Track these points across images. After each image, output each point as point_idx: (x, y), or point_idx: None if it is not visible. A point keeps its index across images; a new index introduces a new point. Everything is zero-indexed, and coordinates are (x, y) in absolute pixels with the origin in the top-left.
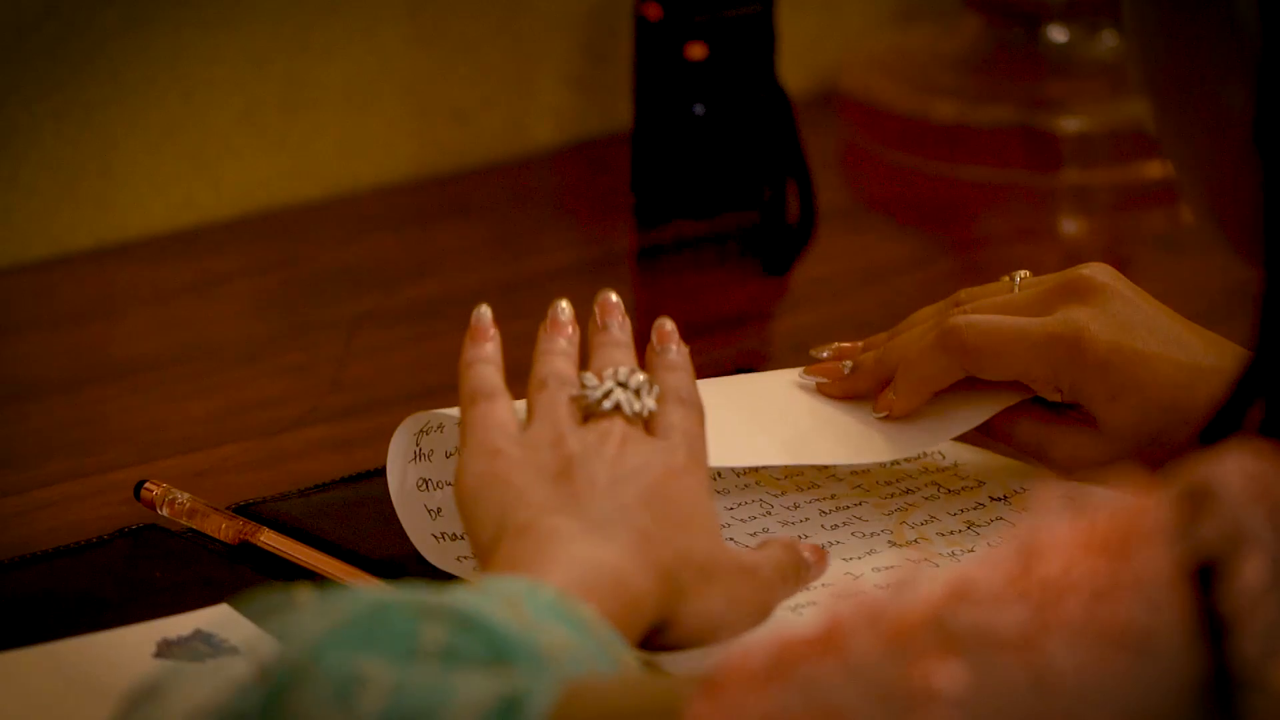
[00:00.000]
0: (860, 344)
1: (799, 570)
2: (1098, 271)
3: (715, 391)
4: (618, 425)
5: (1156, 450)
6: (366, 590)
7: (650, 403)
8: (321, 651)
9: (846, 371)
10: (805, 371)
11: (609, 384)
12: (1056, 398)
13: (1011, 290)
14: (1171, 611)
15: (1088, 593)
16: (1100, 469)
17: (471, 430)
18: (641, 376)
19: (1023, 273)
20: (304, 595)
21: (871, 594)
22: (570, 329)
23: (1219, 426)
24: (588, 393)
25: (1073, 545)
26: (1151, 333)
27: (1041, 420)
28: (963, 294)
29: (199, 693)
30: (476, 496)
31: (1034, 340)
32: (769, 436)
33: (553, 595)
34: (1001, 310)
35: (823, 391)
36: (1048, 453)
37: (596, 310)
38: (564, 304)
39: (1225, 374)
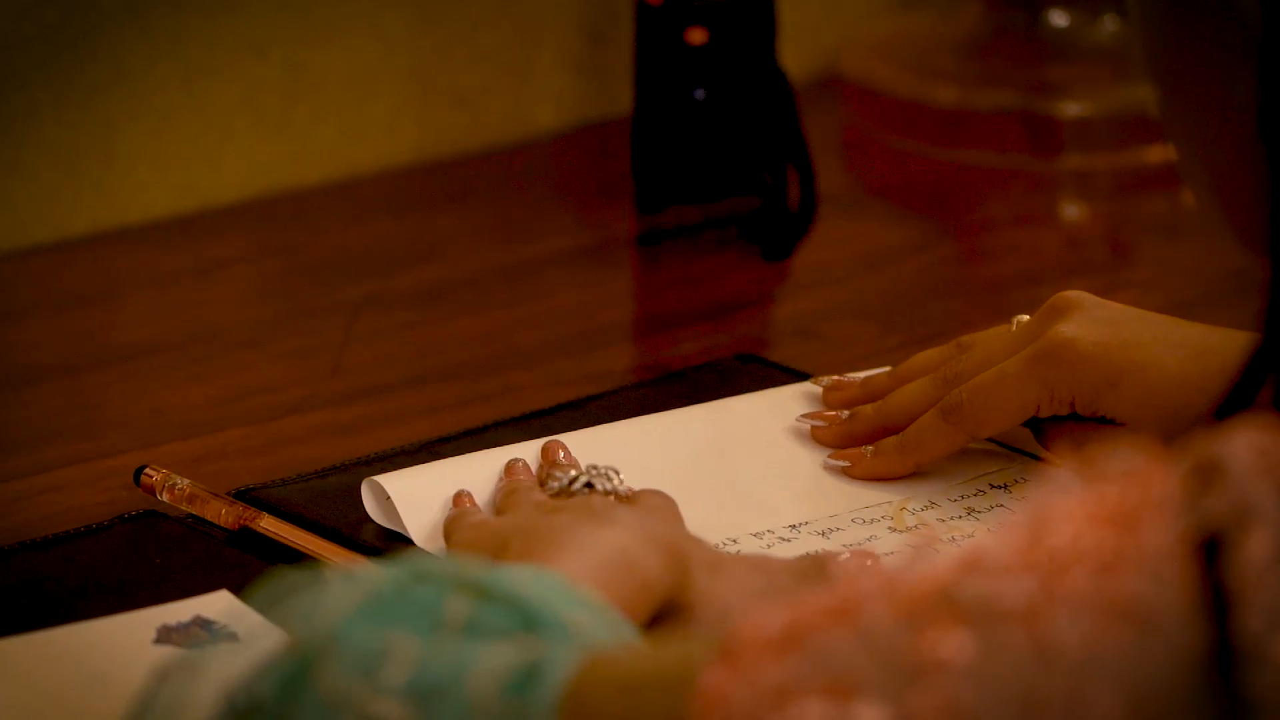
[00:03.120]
0: (859, 377)
1: (822, 578)
2: (1074, 292)
3: (702, 441)
4: (595, 496)
5: (1193, 427)
6: (392, 566)
7: (620, 485)
8: (347, 626)
9: (844, 418)
10: (801, 417)
11: (575, 472)
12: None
13: (1009, 333)
14: (1175, 585)
15: (1093, 564)
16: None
17: (452, 525)
18: (609, 467)
19: (1022, 317)
20: (331, 571)
21: (888, 563)
22: (526, 477)
23: (1231, 403)
24: (556, 482)
25: (1082, 516)
26: (1141, 321)
27: (1078, 430)
28: (965, 339)
29: (231, 666)
30: (472, 547)
31: (1015, 372)
32: (769, 504)
33: (560, 580)
34: (996, 356)
35: (816, 437)
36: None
37: (543, 454)
38: (520, 462)
39: (1237, 345)
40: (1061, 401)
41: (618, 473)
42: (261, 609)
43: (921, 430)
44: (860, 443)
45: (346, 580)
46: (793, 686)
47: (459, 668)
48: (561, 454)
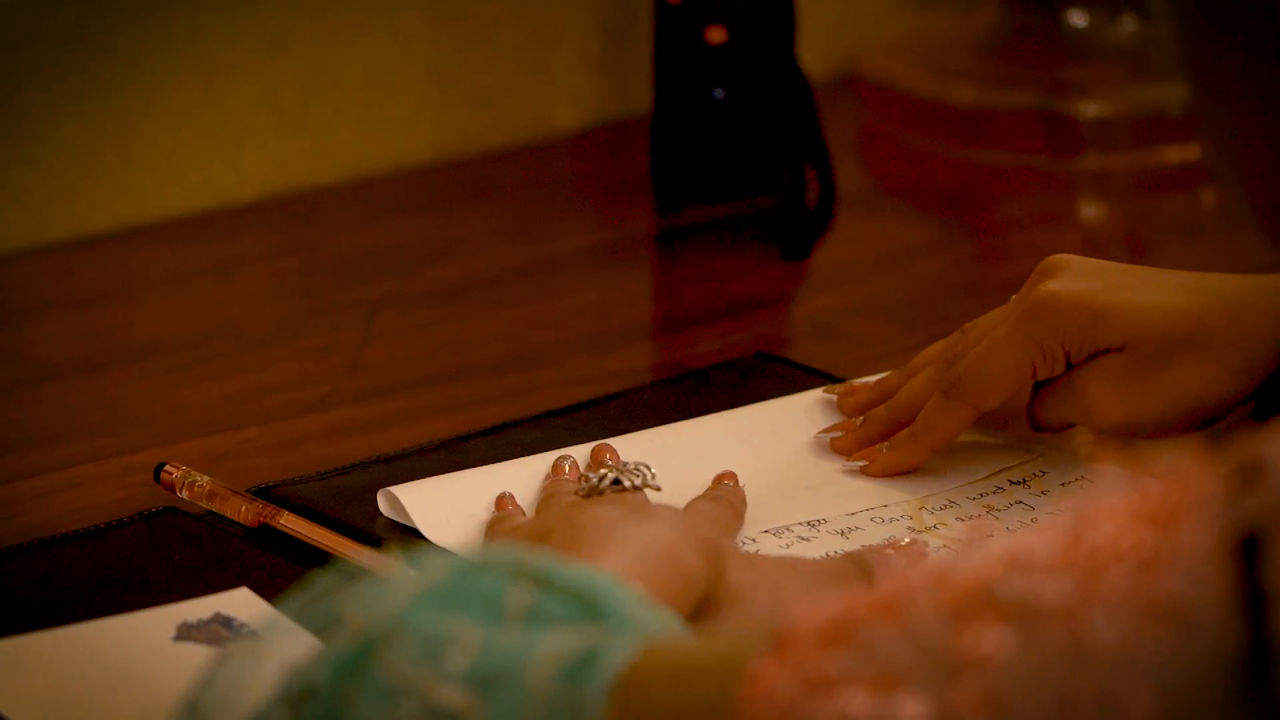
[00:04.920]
0: (872, 380)
1: (862, 576)
2: (1062, 254)
3: (721, 447)
4: (627, 494)
5: (1193, 360)
6: (454, 555)
7: (652, 479)
8: (411, 612)
9: (859, 424)
10: (820, 432)
11: (604, 470)
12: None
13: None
14: (1213, 585)
15: (1132, 563)
16: (1149, 430)
17: (493, 528)
18: (640, 463)
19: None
20: (394, 560)
21: (938, 557)
22: (572, 475)
23: (1271, 404)
24: (587, 484)
25: (1123, 515)
26: (1128, 270)
27: (1074, 385)
28: (968, 325)
29: (291, 650)
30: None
31: (1005, 336)
32: (787, 502)
33: (609, 578)
34: (992, 330)
35: (836, 448)
36: (1092, 410)
37: (591, 455)
38: (569, 461)
39: (1230, 285)
40: (1055, 357)
41: (649, 467)
42: (294, 611)
43: (929, 414)
44: (878, 444)
45: (410, 568)
46: (838, 678)
47: (520, 654)
48: (608, 456)
